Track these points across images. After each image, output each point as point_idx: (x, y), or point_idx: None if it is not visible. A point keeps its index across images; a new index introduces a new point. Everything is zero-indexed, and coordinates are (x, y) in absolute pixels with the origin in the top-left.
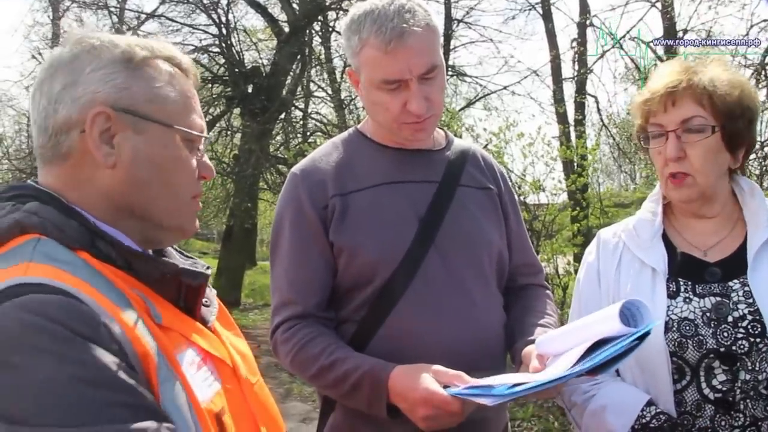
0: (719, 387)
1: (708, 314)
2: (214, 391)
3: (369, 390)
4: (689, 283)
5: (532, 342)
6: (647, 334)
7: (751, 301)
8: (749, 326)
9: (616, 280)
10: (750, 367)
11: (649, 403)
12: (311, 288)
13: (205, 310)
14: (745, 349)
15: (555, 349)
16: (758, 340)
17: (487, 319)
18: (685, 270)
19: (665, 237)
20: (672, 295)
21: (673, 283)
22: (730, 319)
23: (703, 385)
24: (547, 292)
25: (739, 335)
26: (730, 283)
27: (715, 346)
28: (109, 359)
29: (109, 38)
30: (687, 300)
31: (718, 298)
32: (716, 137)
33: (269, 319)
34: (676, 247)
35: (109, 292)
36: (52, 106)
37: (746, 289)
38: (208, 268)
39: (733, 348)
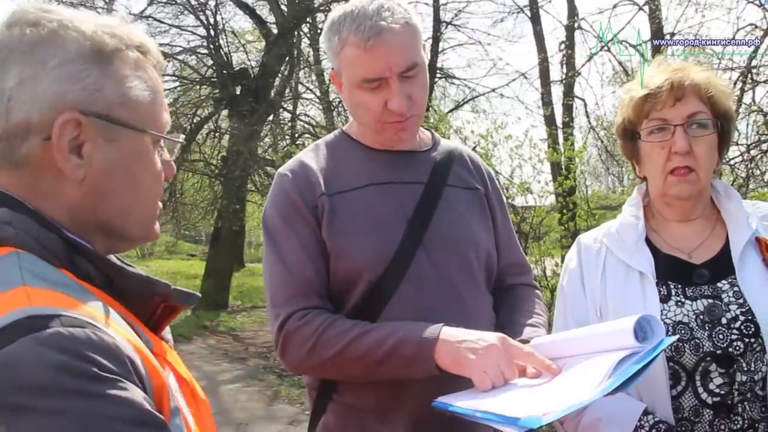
0: (717, 390)
1: (701, 317)
2: (192, 417)
3: (416, 342)
4: (679, 286)
5: (523, 342)
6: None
7: (741, 301)
8: (743, 327)
9: (602, 286)
10: (746, 368)
11: (646, 412)
12: (317, 284)
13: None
14: (741, 350)
15: (552, 353)
16: (752, 340)
17: (477, 319)
18: (673, 273)
19: (648, 241)
20: (663, 299)
21: (663, 286)
22: (723, 320)
23: (700, 389)
24: (536, 291)
25: (734, 336)
26: (719, 285)
27: (711, 349)
28: (138, 395)
29: (72, 22)
30: (679, 303)
31: (710, 300)
32: (714, 137)
33: (258, 322)
34: (660, 249)
35: (113, 318)
36: (3, 104)
37: (735, 289)
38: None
39: (729, 350)
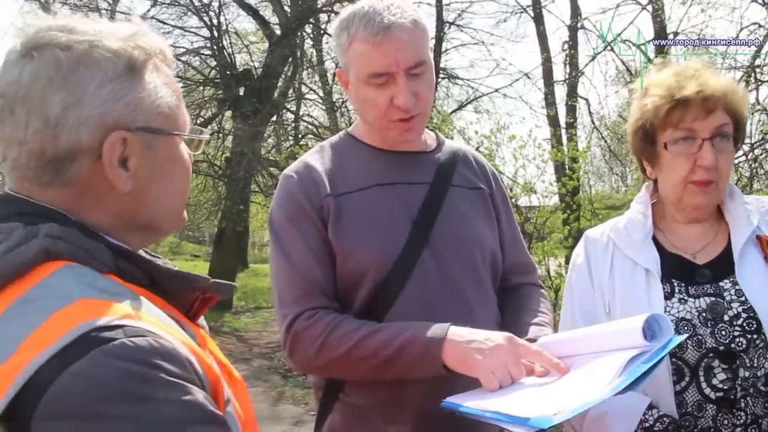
0: (720, 386)
1: (704, 314)
2: (234, 398)
3: (423, 342)
4: (682, 284)
5: (530, 341)
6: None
7: (743, 299)
8: (745, 324)
9: (610, 281)
10: (748, 364)
11: (650, 407)
12: (325, 284)
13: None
14: (743, 346)
15: (560, 352)
16: (755, 336)
17: (482, 318)
18: (677, 271)
19: (654, 239)
20: (667, 296)
21: (668, 284)
22: (725, 318)
23: (704, 385)
24: (542, 290)
25: (736, 333)
26: (721, 284)
27: (714, 345)
28: (200, 395)
29: (100, 41)
30: (682, 301)
31: (713, 298)
32: (733, 150)
33: (262, 322)
34: (665, 248)
35: (164, 320)
36: (50, 130)
37: (737, 288)
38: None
39: (732, 346)
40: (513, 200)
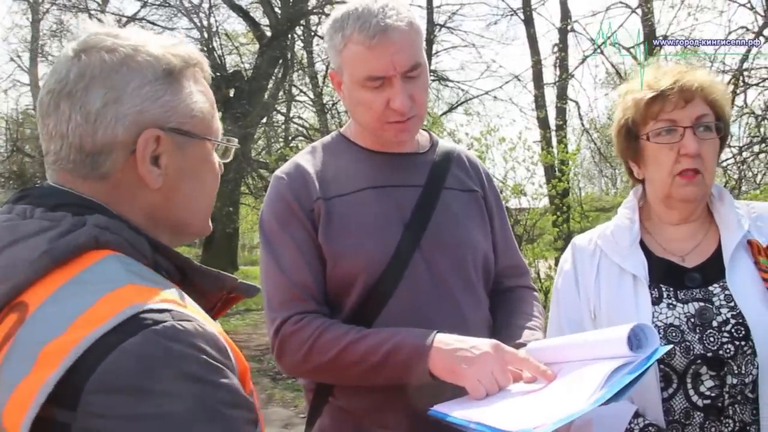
0: (708, 393)
1: (693, 320)
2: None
3: (410, 349)
4: (671, 289)
5: (521, 345)
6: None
7: (732, 304)
8: (733, 330)
9: (596, 287)
10: (736, 371)
11: (636, 415)
12: (314, 288)
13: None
14: (731, 353)
15: (548, 358)
16: (743, 343)
17: (473, 321)
18: (665, 276)
19: (642, 244)
20: (655, 302)
21: (655, 289)
22: (714, 323)
23: (691, 392)
24: (534, 294)
25: (724, 339)
26: (711, 288)
27: (702, 352)
28: (236, 380)
29: (143, 46)
30: (671, 306)
31: (701, 304)
32: (717, 140)
33: (251, 325)
34: (653, 253)
35: (201, 311)
36: (90, 125)
37: (727, 292)
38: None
39: (720, 352)
40: (503, 202)
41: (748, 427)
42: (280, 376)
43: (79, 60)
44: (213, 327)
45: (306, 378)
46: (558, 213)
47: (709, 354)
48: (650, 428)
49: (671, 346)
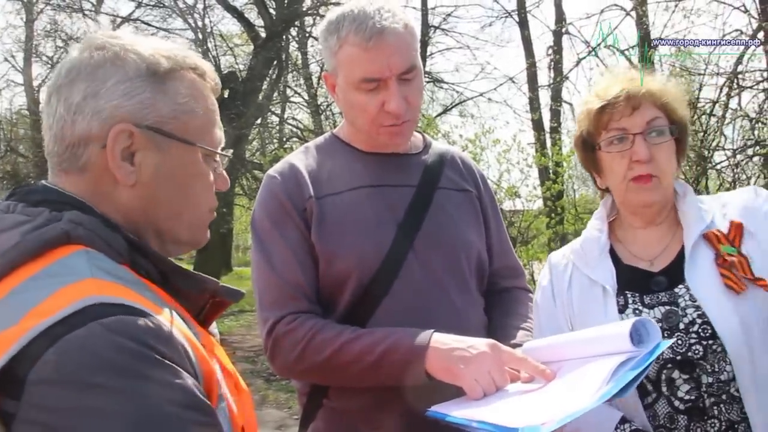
0: (686, 397)
1: (660, 324)
2: (235, 405)
3: (406, 349)
4: (636, 294)
5: (516, 346)
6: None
7: (697, 304)
8: (700, 330)
9: (569, 300)
10: (710, 370)
11: (623, 420)
12: (306, 287)
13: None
14: (700, 353)
15: (545, 358)
16: (711, 341)
17: (468, 322)
18: (631, 282)
19: (613, 253)
20: (621, 310)
21: (621, 297)
22: (681, 326)
23: (672, 397)
24: (530, 295)
25: (692, 340)
26: (676, 290)
27: (671, 356)
28: (190, 381)
29: (132, 46)
30: (637, 312)
31: (667, 307)
32: (672, 144)
33: (245, 326)
34: (622, 260)
35: (167, 310)
36: (70, 116)
37: (690, 293)
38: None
39: (689, 354)
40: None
41: (736, 426)
42: (274, 377)
43: (72, 58)
44: (172, 325)
45: (299, 379)
46: (552, 215)
47: (679, 357)
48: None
49: (673, 339)
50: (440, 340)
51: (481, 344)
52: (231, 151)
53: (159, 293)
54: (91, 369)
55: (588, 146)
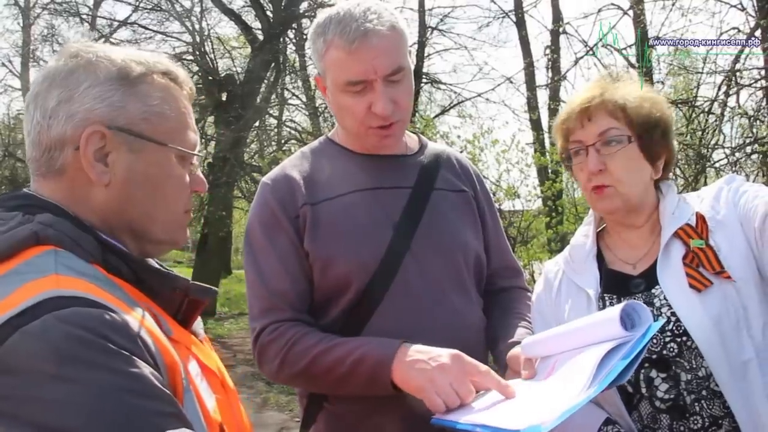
0: (665, 396)
1: None
2: (214, 402)
3: (373, 361)
4: (614, 297)
5: (516, 344)
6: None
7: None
8: (674, 327)
9: (557, 308)
10: (687, 367)
11: (608, 422)
12: (292, 296)
13: (195, 324)
14: (675, 351)
15: (543, 352)
16: (684, 338)
17: (467, 323)
18: (611, 286)
19: (601, 258)
20: None
21: (600, 300)
22: None
23: (653, 397)
24: (528, 294)
25: (667, 339)
26: (653, 290)
27: (647, 355)
28: (147, 370)
29: (105, 53)
30: None
31: None
32: (634, 148)
33: (245, 329)
34: (607, 265)
35: (131, 305)
36: (45, 121)
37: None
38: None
39: (664, 352)
40: (497, 204)
41: (720, 421)
42: None
43: (49, 66)
44: (131, 318)
45: (287, 385)
46: (552, 214)
47: (654, 356)
48: (622, 430)
49: (664, 320)
50: (406, 351)
51: (443, 356)
52: (202, 154)
53: (130, 291)
54: (45, 359)
55: (564, 159)
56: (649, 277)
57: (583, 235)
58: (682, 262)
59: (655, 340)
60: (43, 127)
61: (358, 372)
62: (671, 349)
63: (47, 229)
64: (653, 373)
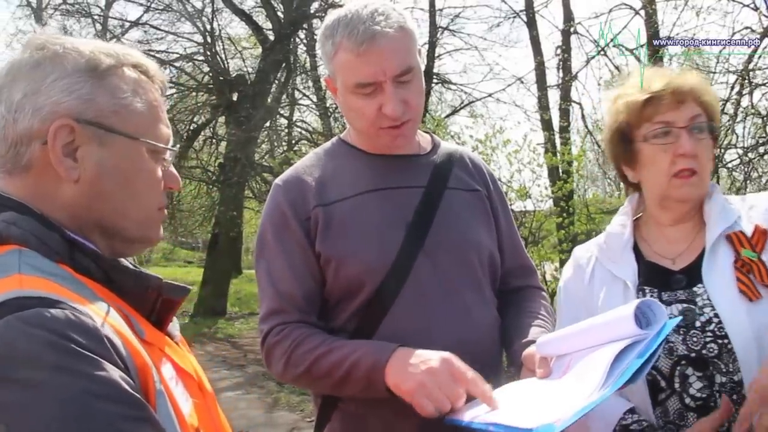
0: (698, 395)
1: None
2: (190, 406)
3: (368, 365)
4: (655, 290)
5: (531, 343)
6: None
7: (713, 304)
8: (716, 329)
9: (589, 294)
10: (724, 370)
11: (632, 411)
12: (299, 299)
13: (171, 325)
14: (715, 352)
15: (557, 351)
16: (726, 341)
17: (481, 322)
18: (651, 279)
19: (637, 249)
20: None
21: (640, 292)
22: (697, 324)
23: (684, 394)
24: (543, 293)
25: (708, 339)
26: (695, 288)
27: (685, 352)
28: (115, 373)
29: (73, 44)
30: None
31: (685, 305)
32: (711, 141)
33: (256, 328)
34: (644, 257)
35: (100, 305)
36: (11, 115)
37: (708, 292)
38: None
39: (703, 352)
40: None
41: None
42: None
43: (13, 59)
44: (99, 319)
45: (294, 385)
46: (563, 215)
47: (693, 354)
48: (643, 422)
49: (680, 318)
50: (400, 355)
51: (434, 359)
52: (177, 147)
53: (100, 292)
54: (7, 361)
55: (625, 139)
56: (691, 274)
57: (620, 225)
58: (734, 266)
59: (695, 339)
60: (9, 121)
61: (355, 376)
62: (711, 350)
63: (11, 227)
64: (689, 371)
